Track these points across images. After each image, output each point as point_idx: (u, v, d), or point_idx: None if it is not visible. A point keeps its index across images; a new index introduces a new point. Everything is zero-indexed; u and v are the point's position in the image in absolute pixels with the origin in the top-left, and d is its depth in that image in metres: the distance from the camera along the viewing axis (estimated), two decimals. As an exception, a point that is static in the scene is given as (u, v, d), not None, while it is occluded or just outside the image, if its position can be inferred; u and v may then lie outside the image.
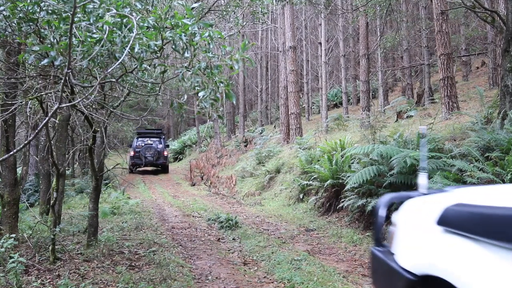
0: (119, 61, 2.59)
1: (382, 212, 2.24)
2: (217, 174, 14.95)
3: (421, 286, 1.73)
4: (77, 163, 17.60)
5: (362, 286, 4.40)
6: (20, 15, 2.88)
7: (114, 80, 3.36)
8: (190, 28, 2.70)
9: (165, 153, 18.20)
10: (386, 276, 2.01)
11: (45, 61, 2.68)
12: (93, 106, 4.67)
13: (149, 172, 19.25)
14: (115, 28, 2.62)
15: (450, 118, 8.99)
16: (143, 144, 17.94)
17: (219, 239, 6.63)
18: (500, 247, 1.39)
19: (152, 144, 17.96)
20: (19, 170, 10.49)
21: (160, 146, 18.01)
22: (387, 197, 2.32)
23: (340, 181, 7.61)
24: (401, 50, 19.47)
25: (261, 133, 20.92)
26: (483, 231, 1.47)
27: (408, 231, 1.96)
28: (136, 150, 17.76)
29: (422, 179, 2.35)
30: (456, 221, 1.61)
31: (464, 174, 4.91)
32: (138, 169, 18.08)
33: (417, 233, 1.88)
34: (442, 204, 1.75)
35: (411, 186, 5.86)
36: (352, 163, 7.60)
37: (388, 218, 2.33)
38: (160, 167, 18.21)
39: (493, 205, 1.58)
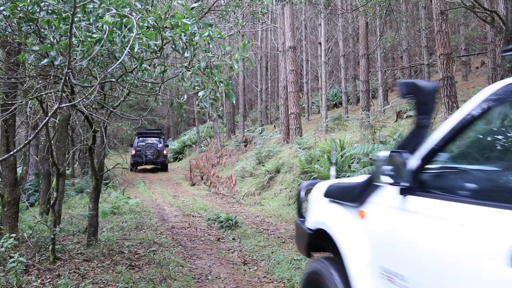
0: (119, 61, 2.59)
1: (302, 194, 3.16)
2: (217, 174, 14.94)
3: (313, 237, 2.70)
4: (77, 163, 17.60)
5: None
6: (20, 15, 2.88)
7: (114, 80, 3.36)
8: (190, 28, 2.71)
9: (165, 152, 19.01)
10: (301, 236, 2.93)
11: (45, 61, 2.69)
12: (93, 106, 4.67)
13: (149, 172, 19.30)
14: (115, 28, 2.63)
15: (450, 118, 9.00)
16: (144, 144, 18.86)
17: (219, 238, 6.63)
18: (345, 205, 2.33)
19: (152, 143, 18.76)
20: (19, 170, 10.49)
21: (159, 145, 18.78)
22: (305, 184, 3.24)
23: (340, 181, 7.61)
24: (400, 50, 19.48)
25: (261, 133, 20.92)
26: (339, 197, 2.44)
27: (312, 204, 2.85)
28: (137, 149, 18.71)
29: (332, 171, 3.94)
30: (331, 192, 2.56)
31: (463, 174, 4.91)
32: (139, 167, 18.85)
33: (315, 204, 2.80)
34: (329, 184, 2.67)
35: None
36: (352, 163, 7.61)
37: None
38: (160, 165, 18.92)
39: (345, 182, 2.65)
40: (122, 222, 7.47)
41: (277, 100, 25.22)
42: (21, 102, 4.45)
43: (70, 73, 2.70)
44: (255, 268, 5.11)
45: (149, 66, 3.25)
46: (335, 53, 23.82)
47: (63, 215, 7.03)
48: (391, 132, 7.51)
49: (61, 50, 2.64)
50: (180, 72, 2.98)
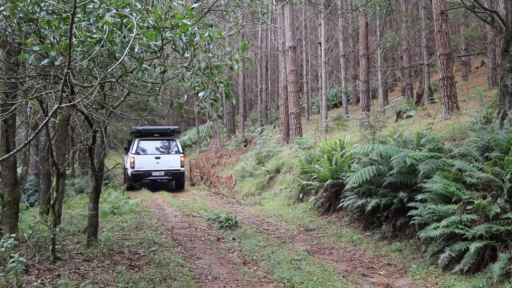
0: (119, 61, 2.59)
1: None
2: (217, 174, 14.95)
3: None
4: (77, 163, 17.64)
5: (361, 285, 4.41)
6: (20, 15, 2.88)
7: (114, 80, 3.36)
8: (190, 28, 2.71)
9: None
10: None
11: (45, 61, 2.68)
12: (93, 106, 4.67)
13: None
14: (115, 28, 2.63)
15: (449, 118, 9.00)
16: None
17: (219, 239, 6.63)
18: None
19: None
20: (19, 170, 10.46)
21: None
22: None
23: (340, 181, 7.61)
24: (400, 50, 19.47)
25: (261, 133, 20.93)
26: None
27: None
28: None
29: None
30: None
31: (463, 174, 4.91)
32: None
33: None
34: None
35: (411, 186, 5.87)
36: (352, 163, 7.59)
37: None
38: None
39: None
40: (122, 222, 7.47)
41: (277, 100, 25.22)
42: (21, 102, 4.45)
43: (70, 73, 2.70)
44: (255, 268, 5.11)
45: (149, 66, 3.25)
46: (335, 53, 23.82)
47: (63, 215, 7.03)
48: (391, 132, 7.49)
49: (61, 50, 2.64)
50: (180, 72, 2.98)
